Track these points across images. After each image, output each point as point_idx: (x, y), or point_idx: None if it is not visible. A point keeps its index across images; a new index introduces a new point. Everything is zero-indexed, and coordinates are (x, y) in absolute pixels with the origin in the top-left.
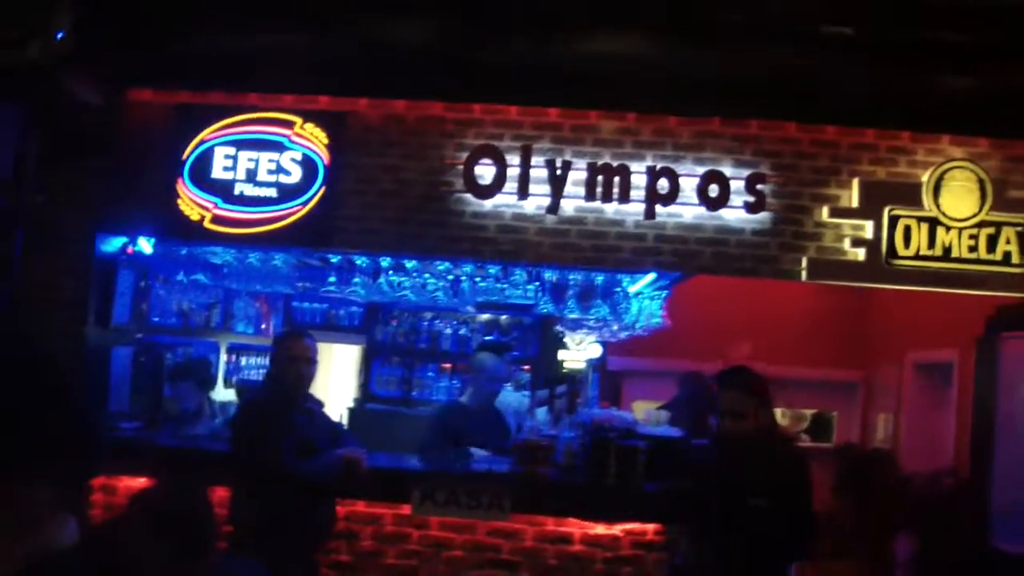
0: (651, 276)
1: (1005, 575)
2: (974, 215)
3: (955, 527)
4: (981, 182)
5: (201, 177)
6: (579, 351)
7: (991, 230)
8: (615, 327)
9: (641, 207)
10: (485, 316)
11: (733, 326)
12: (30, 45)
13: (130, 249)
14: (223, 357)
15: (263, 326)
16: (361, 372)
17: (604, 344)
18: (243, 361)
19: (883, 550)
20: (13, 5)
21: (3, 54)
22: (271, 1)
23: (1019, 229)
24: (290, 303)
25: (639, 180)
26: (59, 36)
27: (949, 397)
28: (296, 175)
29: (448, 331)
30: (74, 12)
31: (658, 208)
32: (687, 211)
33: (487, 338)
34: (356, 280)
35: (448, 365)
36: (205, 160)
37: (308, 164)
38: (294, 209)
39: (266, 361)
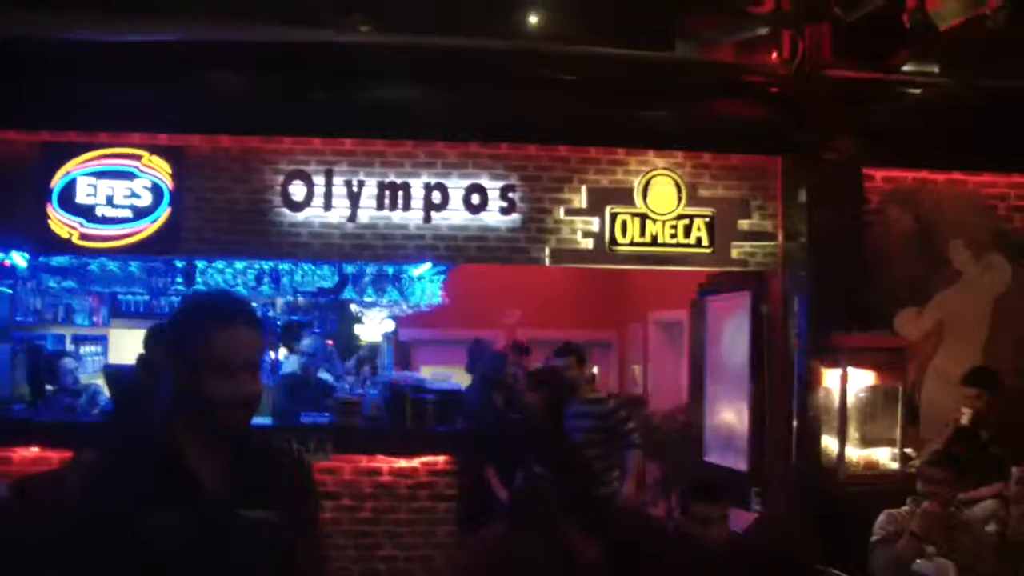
0: (429, 265)
1: (716, 482)
2: (673, 210)
3: (685, 452)
4: (678, 185)
5: (68, 202)
6: (374, 326)
7: (687, 221)
8: (404, 306)
9: (420, 214)
10: (286, 299)
11: (505, 298)
12: None
13: (6, 263)
14: (69, 346)
15: (95, 318)
16: None
17: (396, 319)
18: (82, 349)
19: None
20: None
21: None
22: (116, 57)
23: (707, 220)
24: (115, 296)
25: (418, 193)
26: None
27: (681, 349)
28: (146, 198)
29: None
30: None
31: (433, 214)
32: (455, 215)
33: (292, 318)
34: (198, 279)
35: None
36: (70, 188)
37: (156, 189)
38: (146, 226)
39: (99, 348)
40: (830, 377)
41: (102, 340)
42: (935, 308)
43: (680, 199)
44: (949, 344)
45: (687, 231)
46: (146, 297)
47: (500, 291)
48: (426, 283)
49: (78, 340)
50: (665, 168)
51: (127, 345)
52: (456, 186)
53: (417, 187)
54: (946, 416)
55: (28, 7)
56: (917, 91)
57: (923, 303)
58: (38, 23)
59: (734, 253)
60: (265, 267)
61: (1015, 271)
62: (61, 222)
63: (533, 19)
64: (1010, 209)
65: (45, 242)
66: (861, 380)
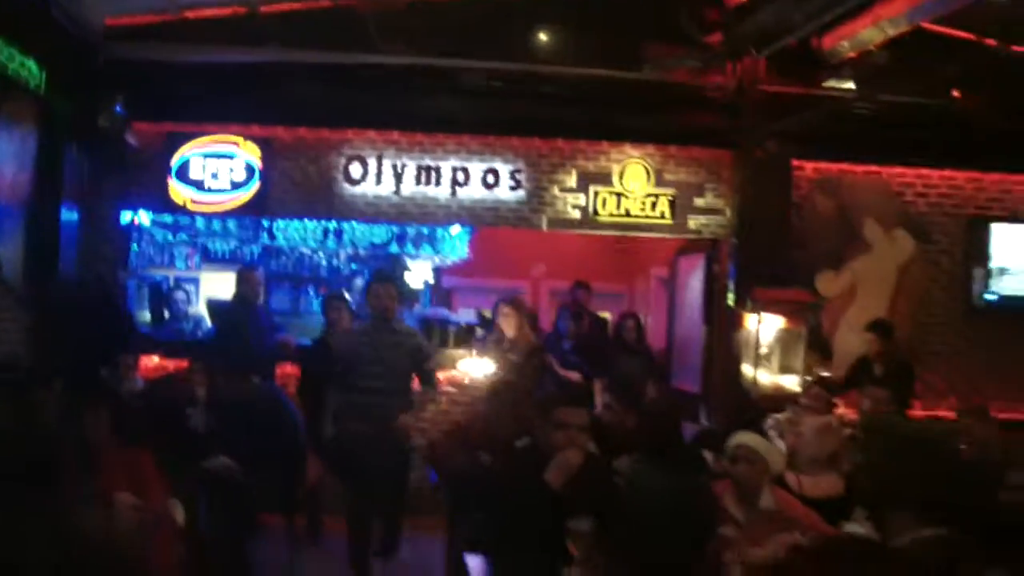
0: (459, 227)
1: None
2: (643, 190)
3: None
4: (647, 170)
5: (183, 176)
6: (419, 274)
7: (654, 199)
8: (438, 258)
9: (448, 189)
10: (347, 251)
11: (534, 254)
12: (100, 116)
13: (135, 220)
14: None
15: (190, 263)
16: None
17: (438, 269)
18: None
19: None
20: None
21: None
22: (223, 72)
23: (670, 198)
24: (206, 246)
25: (447, 173)
26: (117, 110)
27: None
28: (242, 174)
29: (324, 263)
30: (122, 96)
31: (458, 189)
32: (475, 191)
33: (353, 267)
34: (278, 234)
35: (324, 289)
36: (185, 166)
37: (249, 167)
38: (241, 195)
39: (192, 288)
40: (752, 321)
41: (195, 281)
42: (848, 272)
43: (649, 181)
44: (860, 301)
45: (653, 206)
46: (230, 247)
47: (530, 248)
48: (455, 241)
49: (178, 280)
50: (638, 157)
51: (215, 284)
52: (476, 169)
53: (446, 169)
54: (853, 356)
55: (162, 38)
56: (835, 102)
57: (840, 268)
58: (169, 50)
59: (691, 224)
60: (330, 227)
61: (916, 244)
62: (178, 192)
63: (541, 38)
64: (915, 195)
65: (166, 205)
66: (775, 324)
